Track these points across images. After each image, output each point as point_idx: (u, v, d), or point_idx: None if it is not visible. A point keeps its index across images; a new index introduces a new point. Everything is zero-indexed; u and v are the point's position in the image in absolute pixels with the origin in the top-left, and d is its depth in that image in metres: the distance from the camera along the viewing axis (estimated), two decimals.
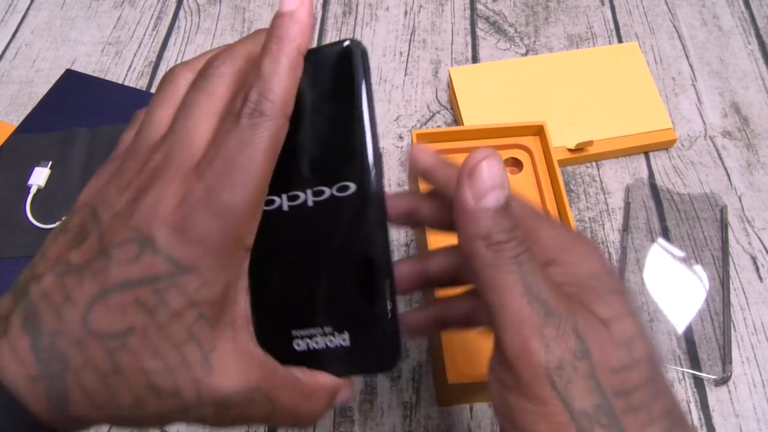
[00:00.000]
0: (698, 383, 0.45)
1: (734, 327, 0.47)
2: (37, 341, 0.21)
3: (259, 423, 0.25)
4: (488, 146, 0.47)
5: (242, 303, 0.24)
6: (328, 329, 0.26)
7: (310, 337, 0.26)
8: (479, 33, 0.66)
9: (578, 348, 0.23)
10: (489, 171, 0.24)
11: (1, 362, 0.21)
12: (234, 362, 0.23)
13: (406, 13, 0.68)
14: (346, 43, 0.25)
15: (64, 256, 0.23)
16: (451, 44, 0.65)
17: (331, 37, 0.66)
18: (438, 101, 0.61)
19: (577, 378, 0.22)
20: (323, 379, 0.26)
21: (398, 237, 0.51)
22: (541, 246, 0.26)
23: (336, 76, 0.25)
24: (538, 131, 0.47)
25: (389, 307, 0.25)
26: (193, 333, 0.22)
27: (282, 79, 0.23)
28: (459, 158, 0.46)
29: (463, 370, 0.40)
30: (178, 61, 0.63)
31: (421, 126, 0.59)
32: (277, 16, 0.24)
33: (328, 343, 0.26)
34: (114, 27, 0.67)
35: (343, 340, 0.26)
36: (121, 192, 0.23)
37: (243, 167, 0.22)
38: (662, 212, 0.52)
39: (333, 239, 0.25)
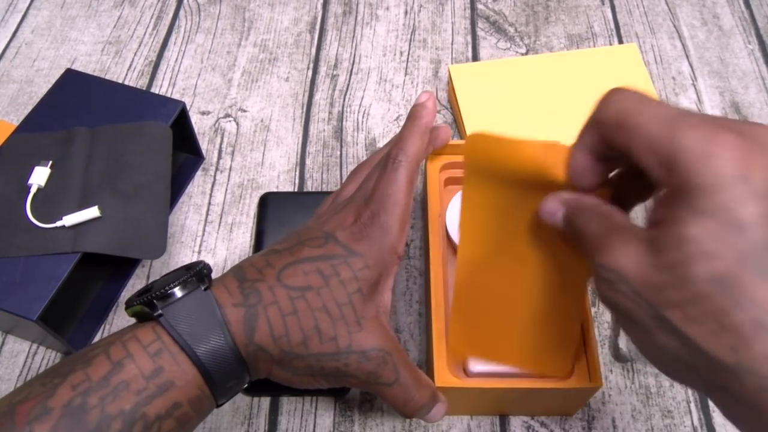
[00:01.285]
0: None
1: None
2: (243, 284, 0.32)
3: (384, 385, 0.33)
4: None
5: (387, 296, 0.35)
6: None
7: None
8: (479, 33, 0.66)
9: (609, 278, 0.25)
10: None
11: (216, 294, 0.31)
12: (377, 328, 0.33)
13: (406, 12, 0.68)
14: None
15: (270, 247, 0.35)
16: (452, 44, 0.65)
17: (331, 37, 0.66)
18: (438, 101, 0.61)
19: (621, 298, 0.24)
20: (428, 380, 0.35)
21: None
22: None
23: None
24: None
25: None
26: (351, 299, 0.32)
27: (413, 140, 0.37)
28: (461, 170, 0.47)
29: (452, 373, 0.40)
30: (178, 61, 0.63)
31: None
32: (415, 106, 0.39)
33: None
34: (114, 26, 0.67)
35: None
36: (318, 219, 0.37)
37: (392, 197, 0.35)
38: None
39: None
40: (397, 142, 0.37)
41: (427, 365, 0.45)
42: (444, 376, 0.37)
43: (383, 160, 0.37)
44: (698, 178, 0.22)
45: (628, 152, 0.25)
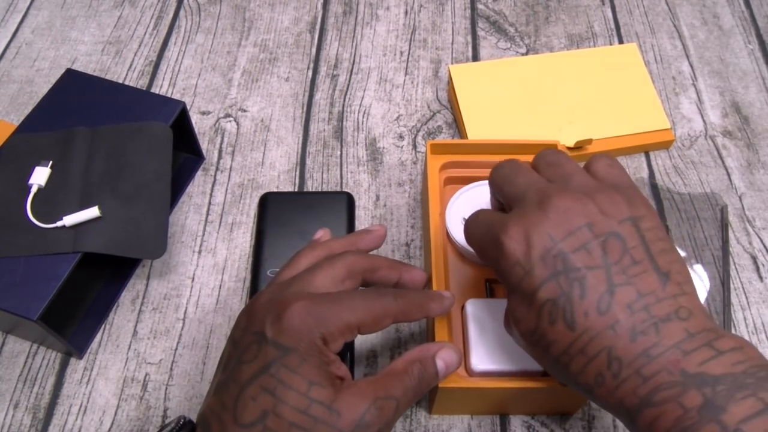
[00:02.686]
0: None
1: (735, 326, 0.47)
2: None
3: (398, 418, 0.32)
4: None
5: (338, 362, 0.31)
6: None
7: None
8: (480, 32, 0.66)
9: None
10: None
11: None
12: (352, 397, 0.30)
13: (406, 12, 0.68)
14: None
15: (219, 370, 0.32)
16: (452, 44, 0.65)
17: (331, 37, 0.66)
18: (438, 101, 0.61)
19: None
20: (406, 355, 0.33)
21: (398, 236, 0.51)
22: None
23: None
24: None
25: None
26: (311, 397, 0.29)
27: (363, 244, 0.38)
28: (467, 172, 0.47)
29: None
30: (179, 61, 0.63)
31: (421, 126, 0.59)
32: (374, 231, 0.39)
33: None
34: (114, 26, 0.67)
35: None
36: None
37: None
38: (662, 212, 0.52)
39: None
40: (349, 243, 0.37)
41: None
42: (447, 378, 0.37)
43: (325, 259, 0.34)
44: (503, 270, 0.31)
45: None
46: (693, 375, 0.26)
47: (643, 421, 0.27)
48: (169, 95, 0.60)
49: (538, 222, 0.30)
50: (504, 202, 0.34)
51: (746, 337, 0.47)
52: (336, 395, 0.29)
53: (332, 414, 0.29)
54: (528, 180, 0.33)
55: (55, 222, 0.43)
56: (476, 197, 0.45)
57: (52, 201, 0.44)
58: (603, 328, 0.28)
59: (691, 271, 0.49)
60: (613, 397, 0.28)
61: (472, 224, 0.35)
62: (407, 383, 0.31)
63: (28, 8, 0.68)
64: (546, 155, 0.35)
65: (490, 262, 0.33)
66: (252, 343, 0.30)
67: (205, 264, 0.51)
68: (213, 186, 0.55)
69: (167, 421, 0.35)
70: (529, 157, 0.47)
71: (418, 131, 0.58)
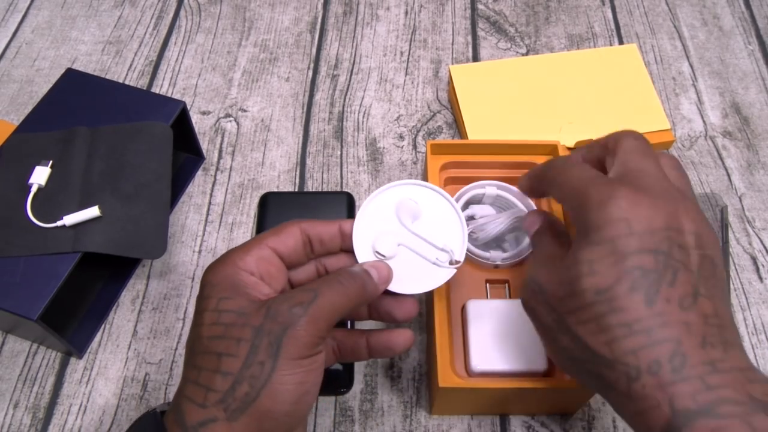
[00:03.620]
0: None
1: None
2: None
3: (331, 316, 0.31)
4: (499, 162, 0.47)
5: (260, 284, 0.32)
6: None
7: None
8: (480, 33, 0.66)
9: (532, 287, 0.33)
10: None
11: None
12: (262, 297, 0.32)
13: (406, 12, 0.68)
14: None
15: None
16: (452, 44, 0.65)
17: (331, 37, 0.66)
18: (439, 101, 0.61)
19: (538, 305, 0.32)
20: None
21: None
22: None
23: None
24: (552, 151, 0.46)
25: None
26: (220, 308, 0.31)
27: (334, 301, 0.33)
28: (467, 172, 0.46)
29: (455, 374, 0.40)
30: (179, 61, 0.63)
31: (421, 126, 0.59)
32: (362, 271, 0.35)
33: None
34: (115, 26, 0.67)
35: None
36: None
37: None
38: None
39: None
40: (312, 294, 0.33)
41: (429, 365, 0.45)
42: (447, 376, 0.37)
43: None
44: (594, 219, 0.29)
45: (559, 201, 0.34)
46: (760, 401, 0.25)
47: (696, 430, 0.25)
48: (169, 95, 0.60)
49: (661, 206, 0.29)
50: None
51: (746, 338, 0.47)
52: (248, 303, 0.30)
53: (241, 316, 0.30)
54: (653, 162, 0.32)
55: (55, 222, 0.43)
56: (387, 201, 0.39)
57: (52, 201, 0.44)
58: (678, 320, 0.27)
59: None
60: (661, 391, 0.26)
61: (567, 164, 0.34)
62: (329, 277, 0.32)
63: (29, 8, 0.68)
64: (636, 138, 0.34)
65: (576, 196, 0.31)
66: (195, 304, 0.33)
67: (205, 264, 0.51)
68: (213, 186, 0.55)
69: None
70: (529, 158, 0.47)
71: (418, 131, 0.58)
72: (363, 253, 0.36)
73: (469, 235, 0.42)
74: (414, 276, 0.36)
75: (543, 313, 0.32)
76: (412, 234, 0.37)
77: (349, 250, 0.36)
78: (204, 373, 0.29)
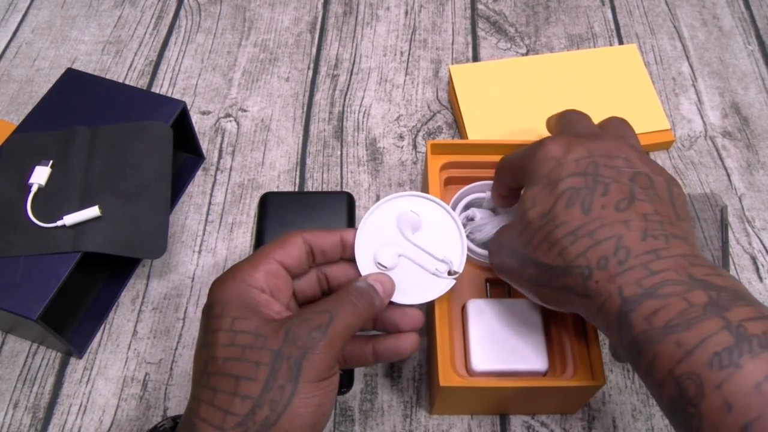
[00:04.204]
0: None
1: None
2: None
3: (343, 333, 0.32)
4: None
5: (271, 302, 0.33)
6: None
7: None
8: (480, 33, 0.66)
9: (495, 248, 0.38)
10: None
11: None
12: (278, 317, 0.32)
13: (406, 12, 0.68)
14: None
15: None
16: (452, 44, 0.65)
17: (331, 37, 0.66)
18: (438, 101, 0.61)
19: (503, 258, 0.37)
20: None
21: None
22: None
23: None
24: None
25: None
26: (236, 329, 0.31)
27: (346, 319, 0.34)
28: (467, 172, 0.46)
29: (457, 372, 0.40)
30: (179, 61, 0.63)
31: (421, 126, 0.59)
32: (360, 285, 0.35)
33: None
34: (114, 26, 0.67)
35: None
36: None
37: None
38: None
39: None
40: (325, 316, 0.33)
41: (429, 365, 0.45)
42: (448, 375, 0.37)
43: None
44: (531, 166, 0.35)
45: (517, 181, 0.37)
46: (699, 280, 0.28)
47: (641, 312, 0.28)
48: (169, 95, 0.60)
49: (583, 142, 0.34)
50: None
51: None
52: (263, 323, 0.31)
53: (258, 338, 0.30)
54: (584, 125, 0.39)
55: (55, 221, 0.43)
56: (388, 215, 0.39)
57: (52, 200, 0.44)
58: (616, 220, 0.30)
59: None
60: (611, 283, 0.29)
61: (507, 154, 0.39)
62: (341, 296, 0.33)
63: (28, 8, 0.68)
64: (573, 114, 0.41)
65: (521, 160, 0.36)
66: (202, 320, 0.33)
67: (205, 264, 0.51)
68: (213, 186, 0.55)
69: (160, 422, 0.36)
70: None
71: (418, 131, 0.58)
72: (365, 264, 0.37)
73: (467, 235, 0.42)
74: (414, 286, 0.37)
75: (509, 263, 0.35)
76: (412, 245, 0.38)
77: (349, 259, 0.37)
78: (220, 395, 0.29)
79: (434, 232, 0.38)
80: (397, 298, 0.36)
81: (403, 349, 0.36)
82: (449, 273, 0.37)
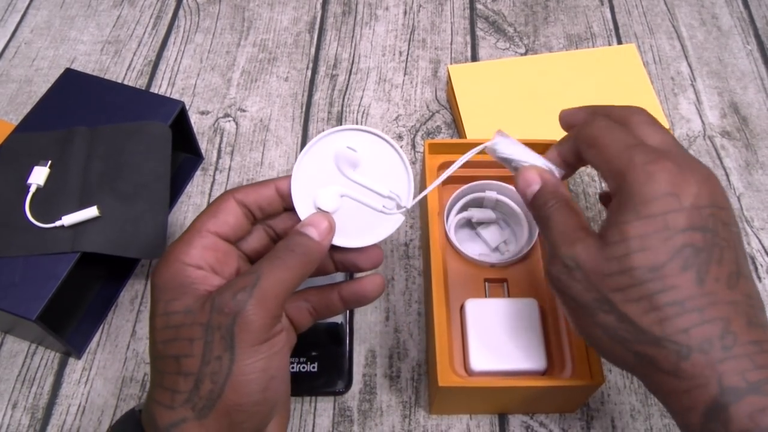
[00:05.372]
0: None
1: None
2: None
3: (279, 292, 0.30)
4: (499, 162, 0.47)
5: (211, 276, 0.31)
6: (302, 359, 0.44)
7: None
8: (479, 32, 0.66)
9: (569, 264, 0.30)
10: (526, 177, 0.35)
11: None
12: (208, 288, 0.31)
13: (405, 12, 0.68)
14: None
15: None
16: (451, 44, 0.65)
17: (330, 37, 0.66)
18: (437, 101, 0.61)
19: (574, 282, 0.30)
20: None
21: (397, 237, 0.51)
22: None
23: None
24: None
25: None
26: (169, 311, 0.30)
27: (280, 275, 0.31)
28: (466, 172, 0.46)
29: (456, 372, 0.40)
30: (178, 61, 0.63)
31: (420, 125, 0.59)
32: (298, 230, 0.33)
33: (301, 369, 0.44)
34: (113, 26, 0.66)
35: (312, 368, 0.44)
36: None
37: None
38: None
39: None
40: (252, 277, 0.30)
41: (428, 365, 0.45)
42: (447, 375, 0.37)
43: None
44: (641, 191, 0.28)
45: (594, 165, 0.32)
46: None
47: (744, 408, 0.25)
48: (168, 95, 0.60)
49: (698, 179, 0.29)
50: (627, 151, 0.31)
51: None
52: (194, 300, 0.29)
53: (188, 315, 0.29)
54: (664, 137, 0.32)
55: (53, 222, 0.43)
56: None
57: (50, 201, 0.44)
58: (726, 300, 0.27)
59: None
60: (711, 369, 0.26)
61: (608, 126, 0.32)
62: (270, 256, 0.30)
63: (27, 8, 0.68)
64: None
65: (621, 164, 0.30)
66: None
67: None
68: (212, 186, 0.55)
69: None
70: None
71: (417, 131, 0.58)
72: (305, 210, 0.34)
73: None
74: (363, 227, 0.34)
75: (580, 291, 0.30)
76: (354, 183, 0.34)
77: (292, 209, 0.34)
78: (167, 377, 0.29)
79: (377, 167, 0.34)
80: (344, 241, 0.34)
81: (369, 292, 0.35)
82: (398, 208, 0.34)
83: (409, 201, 0.34)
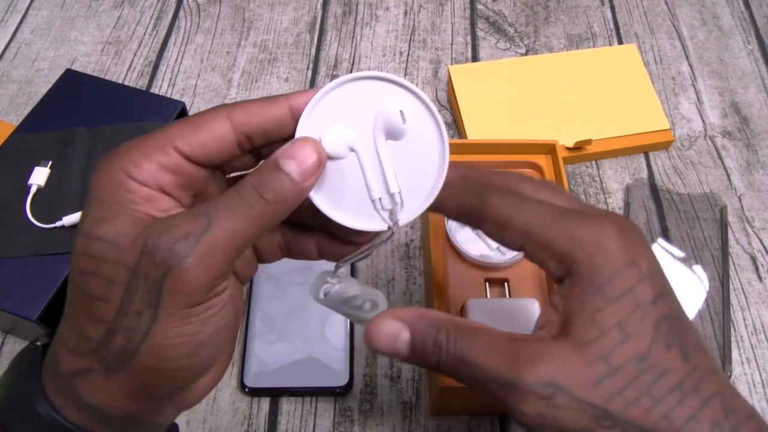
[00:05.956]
0: None
1: (734, 327, 0.47)
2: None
3: (234, 245, 0.24)
4: (498, 162, 0.47)
5: (156, 198, 0.24)
6: None
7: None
8: (479, 33, 0.66)
9: (548, 393, 0.23)
10: (380, 338, 0.27)
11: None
12: (138, 225, 0.24)
13: (406, 12, 0.68)
14: None
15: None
16: (451, 44, 0.65)
17: (330, 38, 0.66)
18: (438, 101, 0.61)
19: (561, 411, 0.23)
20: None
21: (398, 237, 0.51)
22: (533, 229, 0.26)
23: None
24: (550, 150, 0.46)
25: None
26: (93, 235, 0.23)
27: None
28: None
29: None
30: (178, 61, 0.63)
31: None
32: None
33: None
34: (114, 27, 0.67)
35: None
36: None
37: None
38: (662, 212, 0.52)
39: None
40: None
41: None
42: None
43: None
44: (599, 268, 0.24)
45: (518, 247, 0.26)
46: None
47: None
48: (168, 96, 0.60)
49: (637, 236, 0.25)
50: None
51: (746, 338, 0.47)
52: (127, 228, 0.23)
53: (114, 248, 0.22)
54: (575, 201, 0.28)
55: (54, 222, 0.43)
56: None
57: (51, 201, 0.44)
58: (711, 369, 0.24)
59: (690, 272, 0.49)
60: None
61: (516, 201, 0.27)
62: (229, 195, 0.24)
63: (28, 8, 0.68)
64: (539, 181, 0.29)
65: (560, 242, 0.25)
66: None
67: None
68: None
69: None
70: (528, 157, 0.47)
71: None
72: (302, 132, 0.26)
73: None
74: (350, 201, 0.27)
75: (571, 418, 0.23)
76: (374, 151, 0.27)
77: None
78: (78, 315, 0.24)
79: (411, 152, 0.27)
80: (323, 204, 0.26)
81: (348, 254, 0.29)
82: (389, 215, 0.27)
83: (405, 217, 0.27)
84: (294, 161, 0.24)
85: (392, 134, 0.27)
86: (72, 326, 0.24)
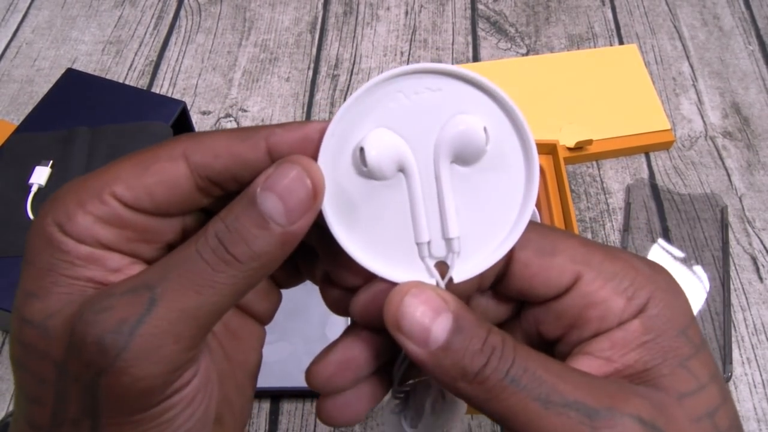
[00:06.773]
0: None
1: (734, 327, 0.47)
2: None
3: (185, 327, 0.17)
4: None
5: (101, 258, 0.18)
6: None
7: None
8: (480, 33, 0.66)
9: (645, 430, 0.17)
10: (413, 310, 0.17)
11: None
12: (71, 304, 0.18)
13: (407, 12, 0.68)
14: None
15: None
16: (452, 44, 0.65)
17: (331, 37, 0.66)
18: None
19: None
20: None
21: None
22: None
23: None
24: (551, 150, 0.46)
25: None
26: (23, 317, 0.18)
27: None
28: None
29: None
30: (179, 61, 0.63)
31: None
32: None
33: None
34: (115, 26, 0.67)
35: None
36: None
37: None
38: (663, 212, 0.52)
39: None
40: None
41: None
42: None
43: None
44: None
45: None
46: None
47: None
48: (169, 95, 0.60)
49: (678, 295, 0.20)
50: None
51: (746, 339, 0.47)
52: (60, 306, 0.17)
53: (43, 335, 0.17)
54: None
55: None
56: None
57: None
58: None
59: (690, 272, 0.49)
60: None
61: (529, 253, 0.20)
62: (182, 254, 0.17)
63: (29, 8, 0.68)
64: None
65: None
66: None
67: None
68: None
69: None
70: None
71: None
72: (326, 157, 0.19)
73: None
74: (378, 239, 0.19)
75: None
76: (431, 176, 0.19)
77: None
78: (19, 415, 0.18)
79: (482, 183, 0.20)
80: (345, 237, 0.19)
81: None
82: (437, 267, 0.19)
83: (462, 269, 0.19)
84: (275, 193, 0.17)
85: (463, 157, 0.19)
86: (16, 428, 0.18)
